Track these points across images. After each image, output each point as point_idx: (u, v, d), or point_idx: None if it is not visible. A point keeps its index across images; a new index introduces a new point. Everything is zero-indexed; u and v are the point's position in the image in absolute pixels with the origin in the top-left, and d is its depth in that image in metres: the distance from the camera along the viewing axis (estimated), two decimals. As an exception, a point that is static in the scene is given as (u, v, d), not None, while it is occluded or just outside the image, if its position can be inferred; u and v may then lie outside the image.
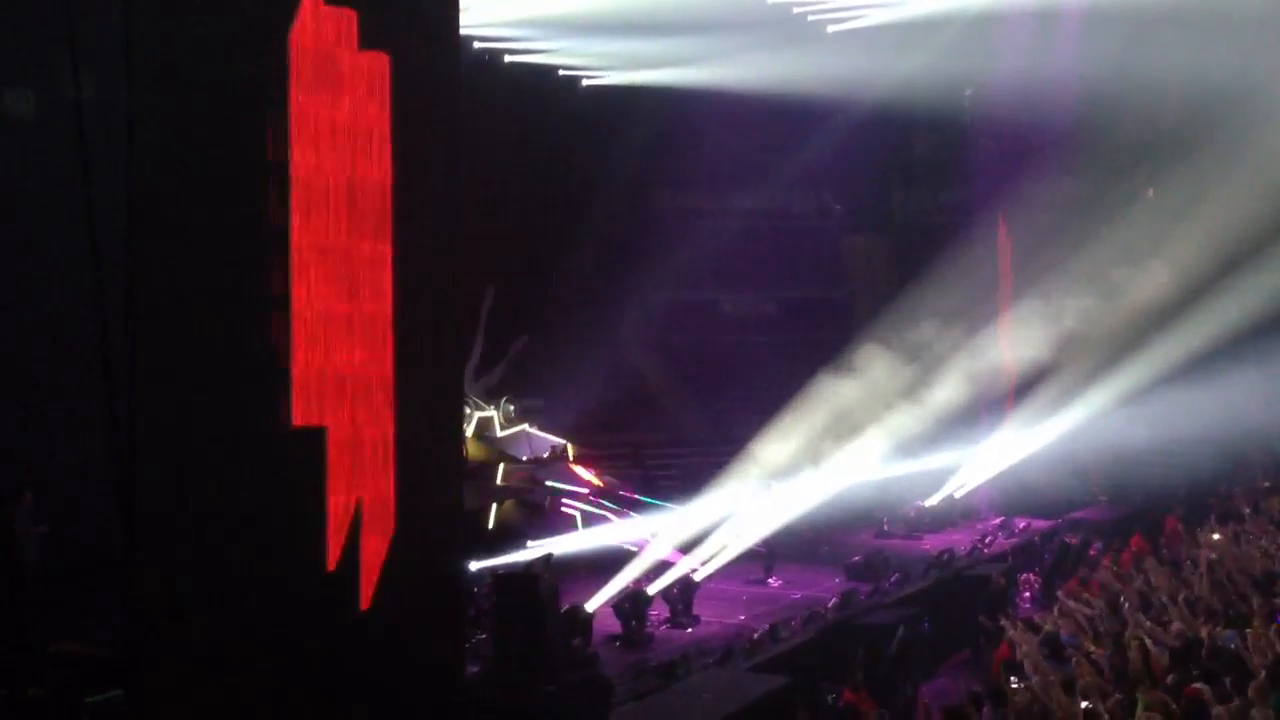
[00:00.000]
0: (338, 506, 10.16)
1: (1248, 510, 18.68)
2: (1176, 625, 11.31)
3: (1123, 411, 21.51)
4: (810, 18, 21.55)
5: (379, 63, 10.53)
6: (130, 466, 8.63)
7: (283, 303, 9.64)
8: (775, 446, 19.71)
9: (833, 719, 11.75)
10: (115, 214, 8.63)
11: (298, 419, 9.72)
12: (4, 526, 12.01)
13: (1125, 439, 21.85)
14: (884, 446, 20.46)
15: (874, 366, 20.49)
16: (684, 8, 19.60)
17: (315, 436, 9.92)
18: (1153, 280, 21.66)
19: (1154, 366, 21.31)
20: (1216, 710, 8.56)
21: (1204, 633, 10.87)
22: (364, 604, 10.23)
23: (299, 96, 9.78)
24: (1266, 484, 21.05)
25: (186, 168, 9.20)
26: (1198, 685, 9.25)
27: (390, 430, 10.61)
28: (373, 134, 10.48)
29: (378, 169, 10.52)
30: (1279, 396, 21.69)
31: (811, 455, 19.88)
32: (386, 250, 10.63)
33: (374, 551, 10.41)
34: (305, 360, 9.86)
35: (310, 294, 9.92)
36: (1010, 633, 12.02)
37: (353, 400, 10.28)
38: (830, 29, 21.86)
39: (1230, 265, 20.77)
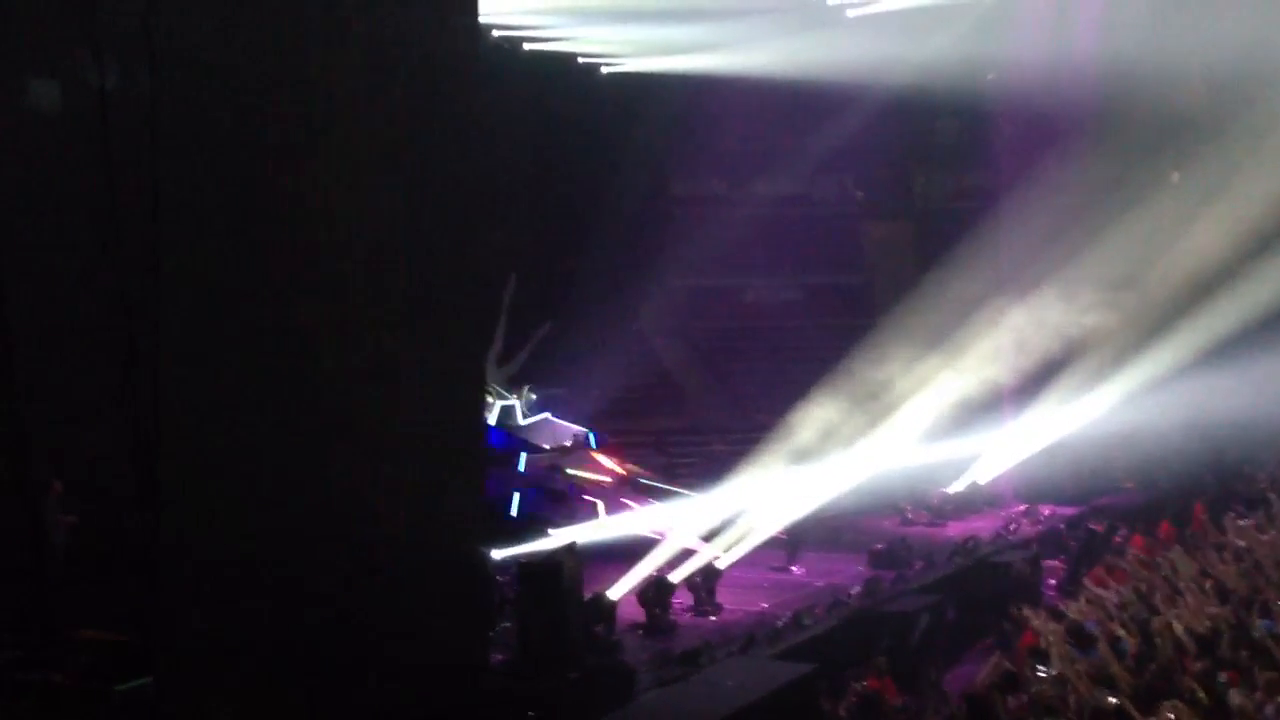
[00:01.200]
0: (353, 492, 10.20)
1: (1274, 497, 18.50)
2: (1210, 610, 11.21)
3: (1147, 398, 21.34)
4: (830, 2, 21.41)
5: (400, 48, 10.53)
6: (154, 456, 8.67)
7: (310, 286, 9.67)
8: (798, 432, 19.67)
9: (856, 707, 11.72)
10: (141, 203, 8.65)
11: (316, 405, 9.75)
12: (33, 515, 12.09)
13: (1150, 426, 21.69)
14: (908, 432, 20.38)
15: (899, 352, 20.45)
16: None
17: (332, 421, 9.94)
18: (1178, 264, 21.46)
19: (1178, 353, 21.12)
20: (1236, 699, 8.48)
21: (1242, 618, 10.78)
22: (386, 591, 10.25)
23: (320, 78, 9.78)
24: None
25: (209, 154, 9.23)
26: (1233, 671, 9.19)
27: (412, 417, 10.64)
28: (395, 120, 10.47)
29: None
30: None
31: (836, 441, 19.83)
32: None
33: (394, 538, 10.44)
34: (333, 343, 9.91)
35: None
36: (1034, 621, 11.96)
37: (378, 387, 10.31)
38: (850, 13, 21.71)
39: (1259, 248, 20.54)
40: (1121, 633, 10.63)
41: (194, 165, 9.15)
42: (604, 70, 23.71)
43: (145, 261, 8.66)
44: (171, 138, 8.96)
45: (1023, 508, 21.58)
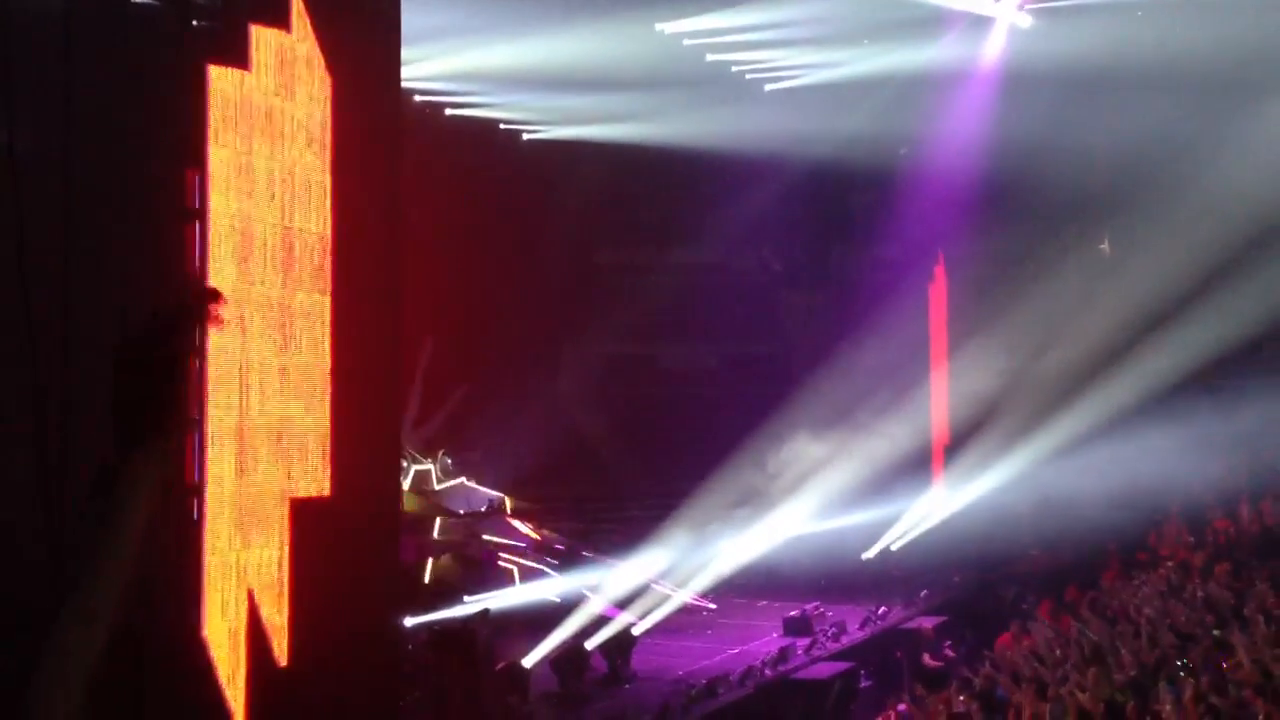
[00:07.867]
0: (267, 559, 10.02)
1: (1172, 564, 18.97)
2: (1115, 676, 11.43)
3: (1054, 465, 21.82)
4: (748, 76, 21.92)
5: (320, 113, 10.56)
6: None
7: (201, 352, 9.53)
8: (714, 499, 19.78)
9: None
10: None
11: (210, 471, 9.54)
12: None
13: (1056, 492, 22.15)
14: (821, 502, 20.60)
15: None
16: (623, 64, 19.83)
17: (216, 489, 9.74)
18: (1081, 337, 22.13)
19: (1084, 422, 21.68)
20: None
21: (1145, 686, 10.99)
22: (288, 658, 10.04)
23: (226, 145, 9.75)
24: (1190, 539, 21.39)
25: (116, 214, 9.15)
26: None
27: (327, 483, 10.52)
28: (312, 185, 10.47)
29: (317, 221, 10.52)
30: (1203, 451, 22.15)
31: (751, 507, 19.97)
32: (324, 302, 10.60)
33: (310, 607, 10.25)
34: (241, 409, 9.76)
35: (245, 344, 9.83)
36: (929, 700, 12.04)
37: (288, 453, 10.18)
38: (768, 88, 22.25)
39: (1156, 322, 21.28)
40: (1025, 701, 10.77)
41: (100, 222, 9.06)
42: (526, 137, 23.93)
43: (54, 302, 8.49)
44: (79, 194, 8.87)
45: (933, 574, 21.74)
